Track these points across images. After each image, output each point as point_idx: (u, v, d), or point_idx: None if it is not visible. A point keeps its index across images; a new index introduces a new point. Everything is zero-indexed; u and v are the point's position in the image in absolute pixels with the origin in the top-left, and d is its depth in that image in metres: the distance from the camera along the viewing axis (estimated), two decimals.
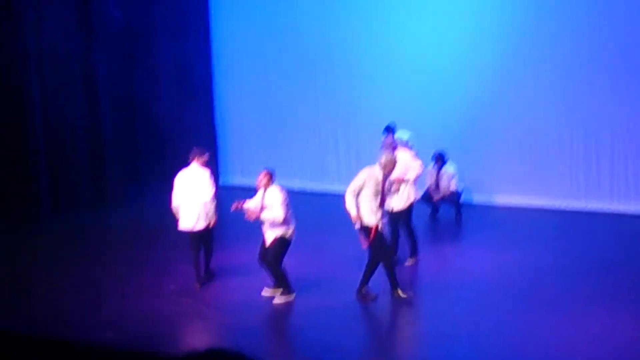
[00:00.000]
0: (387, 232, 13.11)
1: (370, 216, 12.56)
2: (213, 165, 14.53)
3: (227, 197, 14.69)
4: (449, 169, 17.21)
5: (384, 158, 12.77)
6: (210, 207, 13.53)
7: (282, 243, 12.88)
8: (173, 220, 13.98)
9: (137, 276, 14.13)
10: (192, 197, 13.50)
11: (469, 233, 16.57)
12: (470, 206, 17.59)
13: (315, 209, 17.71)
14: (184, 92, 19.67)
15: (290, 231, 12.92)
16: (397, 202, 14.09)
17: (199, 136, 18.68)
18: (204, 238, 13.72)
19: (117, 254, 15.35)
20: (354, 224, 12.77)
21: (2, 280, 14.05)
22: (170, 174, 17.66)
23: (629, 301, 12.63)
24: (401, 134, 15.16)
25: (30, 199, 17.45)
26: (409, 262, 14.26)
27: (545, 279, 13.63)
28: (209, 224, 13.60)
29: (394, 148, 14.55)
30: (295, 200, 16.52)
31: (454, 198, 17.16)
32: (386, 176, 12.74)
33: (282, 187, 13.02)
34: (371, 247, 12.63)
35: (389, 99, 18.34)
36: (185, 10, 19.52)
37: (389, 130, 16.07)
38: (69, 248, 15.78)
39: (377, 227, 12.56)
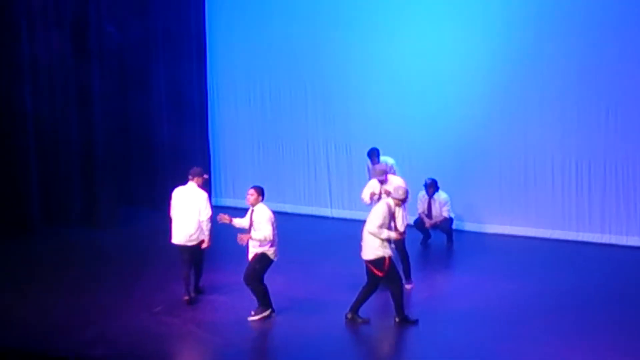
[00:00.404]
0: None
1: (384, 248, 12.77)
2: (206, 185, 14.59)
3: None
4: (441, 195, 17.25)
5: (401, 192, 12.96)
6: (206, 227, 13.67)
7: (262, 259, 12.98)
8: (164, 241, 14.04)
9: (127, 295, 14.13)
10: (187, 213, 13.67)
11: (460, 260, 16.60)
12: (462, 233, 17.63)
13: (306, 232, 17.72)
14: (177, 113, 19.68)
15: (272, 250, 13.02)
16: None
17: (192, 157, 18.65)
18: (196, 255, 13.81)
19: (107, 272, 15.33)
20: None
21: None
22: (162, 197, 17.86)
23: (617, 334, 12.67)
24: (385, 159, 15.48)
25: (21, 215, 17.40)
26: (407, 286, 14.31)
27: (533, 308, 13.64)
28: (201, 242, 13.72)
29: (386, 173, 14.66)
30: (287, 222, 16.58)
31: (446, 225, 17.20)
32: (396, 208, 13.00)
33: (268, 207, 13.07)
34: (386, 276, 12.79)
35: (381, 126, 18.37)
36: (181, 30, 19.54)
37: (375, 154, 16.31)
38: (59, 264, 15.74)
39: (390, 257, 12.80)
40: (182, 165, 15.66)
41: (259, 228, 12.87)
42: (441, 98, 17.92)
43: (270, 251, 12.99)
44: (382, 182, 14.49)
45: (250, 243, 13.02)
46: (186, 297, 13.76)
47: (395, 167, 16.46)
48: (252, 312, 13.15)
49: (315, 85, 19.09)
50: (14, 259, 15.97)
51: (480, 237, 17.60)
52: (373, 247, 12.79)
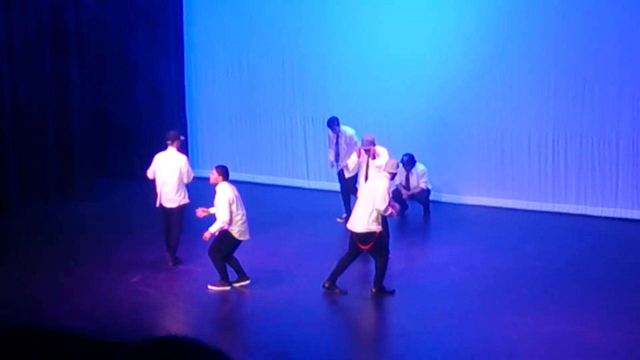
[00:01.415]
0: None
1: (377, 224, 12.88)
2: (184, 149, 14.78)
3: (196, 188, 14.76)
4: (419, 167, 17.30)
5: (394, 165, 13.23)
6: (182, 188, 14.05)
7: (224, 239, 13.00)
8: (140, 212, 14.04)
9: (104, 266, 14.13)
10: (167, 176, 14.06)
11: (437, 231, 16.69)
12: (439, 204, 17.68)
13: (283, 202, 17.75)
14: (155, 85, 19.60)
15: (235, 230, 12.98)
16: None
17: (169, 129, 18.48)
18: (173, 218, 14.01)
19: (84, 245, 15.30)
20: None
21: None
22: (139, 168, 17.81)
23: (593, 300, 12.80)
24: (345, 129, 16.14)
25: None
26: None
27: (509, 277, 13.76)
28: (182, 206, 14.03)
29: (374, 144, 14.74)
30: (264, 193, 16.62)
31: (423, 196, 17.25)
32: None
33: (233, 187, 13.08)
34: (373, 249, 12.90)
35: (358, 99, 18.38)
36: (158, 4, 19.49)
37: (335, 123, 16.37)
38: (37, 238, 15.67)
39: (380, 232, 12.90)
40: (159, 137, 15.64)
41: (217, 208, 12.92)
42: (420, 72, 17.92)
43: (234, 230, 12.97)
44: (368, 151, 14.59)
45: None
46: (169, 254, 14.12)
47: (355, 138, 16.53)
48: (212, 284, 13.20)
49: (293, 58, 19.05)
50: None
51: (457, 208, 17.65)
52: (365, 221, 12.81)
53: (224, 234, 12.95)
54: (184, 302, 13.00)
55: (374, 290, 13.02)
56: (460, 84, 17.66)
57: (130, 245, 15.06)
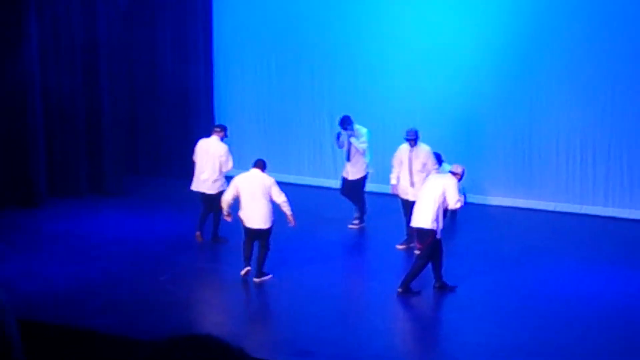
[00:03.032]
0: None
1: (439, 223, 13.17)
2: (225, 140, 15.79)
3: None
4: (445, 167, 17.30)
5: (460, 168, 13.71)
6: (221, 175, 15.04)
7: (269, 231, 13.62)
8: (169, 210, 14.20)
9: (133, 264, 14.27)
10: (206, 163, 15.02)
11: (463, 230, 16.68)
12: (466, 205, 17.62)
13: (309, 203, 17.80)
14: (184, 86, 19.75)
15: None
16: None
17: (198, 130, 18.68)
18: (214, 202, 14.67)
19: (112, 242, 15.43)
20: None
21: None
22: (167, 169, 18.02)
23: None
24: (359, 127, 16.14)
25: (27, 184, 17.45)
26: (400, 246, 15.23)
27: (538, 277, 13.79)
28: (219, 192, 14.59)
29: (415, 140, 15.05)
30: (292, 193, 16.75)
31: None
32: None
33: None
34: (427, 248, 13.10)
35: (384, 100, 18.42)
36: (188, 5, 19.66)
37: (347, 122, 16.21)
38: (65, 235, 15.81)
39: (437, 232, 13.18)
40: (188, 137, 15.82)
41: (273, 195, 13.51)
42: (447, 72, 17.94)
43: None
44: (411, 144, 15.02)
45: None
46: (198, 233, 14.98)
47: (365, 137, 16.35)
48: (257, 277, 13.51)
49: (321, 59, 19.11)
50: (20, 231, 16.01)
51: (485, 209, 17.64)
52: (431, 218, 13.04)
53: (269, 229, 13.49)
54: (211, 301, 13.11)
55: (400, 290, 13.07)
56: (489, 85, 17.67)
57: (159, 244, 15.21)
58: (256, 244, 13.40)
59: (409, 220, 14.47)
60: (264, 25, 19.49)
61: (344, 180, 16.40)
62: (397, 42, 18.31)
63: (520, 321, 12.28)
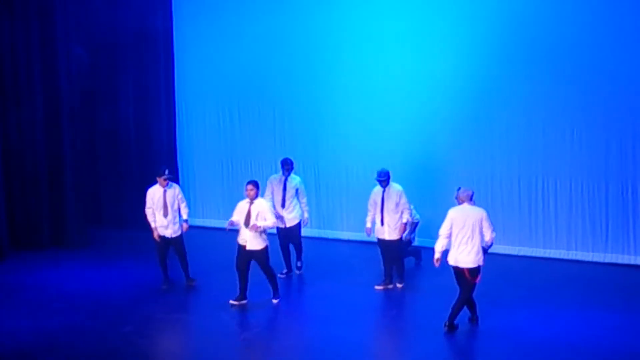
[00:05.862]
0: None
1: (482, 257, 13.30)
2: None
3: (191, 236, 15.39)
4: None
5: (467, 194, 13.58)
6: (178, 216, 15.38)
7: (266, 251, 14.37)
8: (132, 261, 14.13)
9: (96, 316, 14.13)
10: (166, 208, 15.28)
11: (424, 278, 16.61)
12: (427, 250, 17.57)
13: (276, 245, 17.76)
14: (145, 134, 19.74)
15: (265, 236, 14.41)
16: None
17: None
18: (179, 245, 15.32)
19: (75, 294, 15.28)
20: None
21: None
22: (131, 219, 17.95)
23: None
24: (294, 177, 16.35)
25: None
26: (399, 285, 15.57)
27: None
28: (180, 234, 15.34)
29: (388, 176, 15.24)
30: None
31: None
32: None
33: None
34: (470, 284, 13.23)
35: (349, 144, 18.55)
36: (149, 51, 19.68)
37: (289, 164, 16.25)
38: (27, 288, 15.67)
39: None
40: (150, 185, 15.77)
41: (266, 217, 14.19)
42: (408, 117, 18.07)
43: (265, 238, 14.34)
44: (383, 184, 15.23)
45: (249, 234, 14.13)
46: (165, 285, 15.41)
47: (300, 185, 16.36)
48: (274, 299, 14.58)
49: (284, 104, 19.22)
50: None
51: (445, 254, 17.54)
52: (477, 256, 13.11)
53: (265, 249, 14.32)
54: (177, 351, 12.99)
55: (447, 324, 13.22)
56: (449, 130, 17.79)
57: (122, 295, 15.09)
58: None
59: (385, 260, 14.95)
60: (226, 71, 19.58)
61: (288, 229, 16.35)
62: (358, 88, 18.47)
63: None
